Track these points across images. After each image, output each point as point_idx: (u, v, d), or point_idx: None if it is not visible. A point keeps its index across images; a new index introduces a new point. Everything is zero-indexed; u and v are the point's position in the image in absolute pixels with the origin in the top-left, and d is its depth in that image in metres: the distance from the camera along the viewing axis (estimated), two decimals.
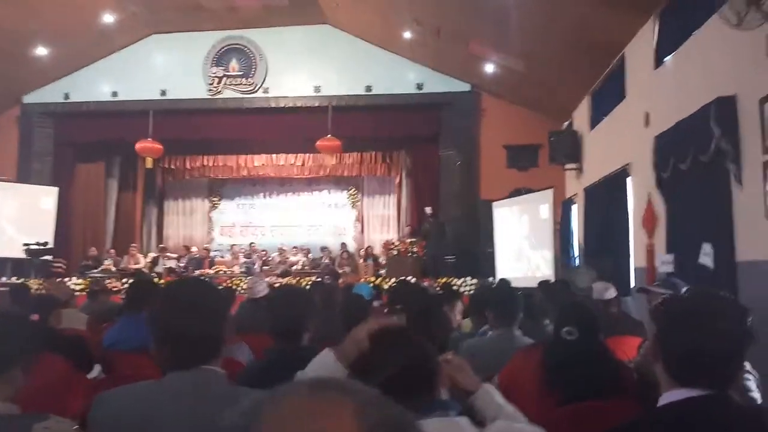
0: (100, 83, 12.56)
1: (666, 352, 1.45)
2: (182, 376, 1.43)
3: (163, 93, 12.37)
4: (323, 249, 13.09)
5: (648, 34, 7.13)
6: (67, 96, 12.49)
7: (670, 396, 1.42)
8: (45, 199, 12.12)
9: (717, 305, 1.46)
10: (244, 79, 12.50)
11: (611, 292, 4.42)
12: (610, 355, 2.48)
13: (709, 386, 1.38)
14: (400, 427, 0.55)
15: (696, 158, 5.48)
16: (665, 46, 6.67)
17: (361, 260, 12.67)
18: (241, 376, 2.33)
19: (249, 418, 0.55)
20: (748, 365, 2.55)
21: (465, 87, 11.88)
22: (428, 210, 11.82)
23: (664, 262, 6.20)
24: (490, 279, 10.10)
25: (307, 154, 13.87)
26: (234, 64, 12.56)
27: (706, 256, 5.25)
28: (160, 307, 1.54)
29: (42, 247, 10.98)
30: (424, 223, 11.96)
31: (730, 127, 5.00)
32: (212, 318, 1.50)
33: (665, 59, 6.67)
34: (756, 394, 2.47)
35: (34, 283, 9.33)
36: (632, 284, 7.38)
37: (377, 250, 13.14)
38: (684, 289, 2.94)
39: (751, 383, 2.48)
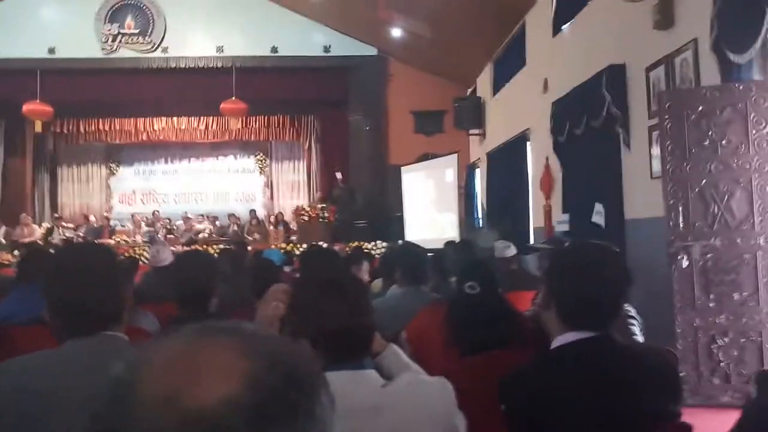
0: None
1: (557, 300, 1.57)
2: (82, 344, 1.37)
3: (52, 51, 11.47)
4: (231, 216, 12.80)
5: (547, 2, 7.36)
6: None
7: (562, 339, 1.55)
8: None
9: (599, 255, 1.59)
10: (141, 38, 11.82)
11: (511, 250, 4.69)
12: (509, 307, 2.61)
13: (594, 328, 1.51)
14: (293, 370, 0.51)
15: (589, 123, 5.80)
16: (563, 14, 6.93)
17: (271, 227, 12.51)
18: None
19: (133, 367, 0.51)
20: (633, 311, 2.79)
21: (372, 51, 11.83)
22: (338, 175, 11.81)
23: (560, 222, 6.57)
24: (400, 242, 10.29)
25: (211, 117, 13.37)
26: (130, 22, 11.83)
27: (598, 215, 5.62)
28: (52, 275, 1.46)
29: None
30: (334, 188, 11.95)
31: (619, 94, 5.33)
32: (108, 283, 1.45)
33: (562, 27, 6.94)
34: (639, 337, 2.71)
35: None
36: (531, 242, 7.77)
37: (288, 216, 12.98)
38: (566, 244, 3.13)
39: (635, 328, 2.72)
